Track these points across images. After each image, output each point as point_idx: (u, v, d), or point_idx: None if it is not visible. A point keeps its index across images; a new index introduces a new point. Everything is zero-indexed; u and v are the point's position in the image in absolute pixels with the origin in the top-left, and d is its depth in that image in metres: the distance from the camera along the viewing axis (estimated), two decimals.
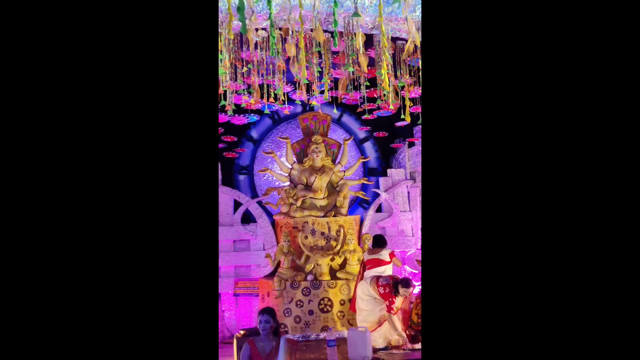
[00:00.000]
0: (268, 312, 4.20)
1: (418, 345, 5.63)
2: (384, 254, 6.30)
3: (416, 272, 6.85)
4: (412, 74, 5.99)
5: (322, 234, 6.80)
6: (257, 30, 5.20)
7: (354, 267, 6.50)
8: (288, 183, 7.19)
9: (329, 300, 6.33)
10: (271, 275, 6.74)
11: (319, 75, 5.72)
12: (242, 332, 5.45)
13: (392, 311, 5.82)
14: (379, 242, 6.45)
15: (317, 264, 6.55)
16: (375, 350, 5.41)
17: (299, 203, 6.88)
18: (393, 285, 5.98)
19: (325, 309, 6.30)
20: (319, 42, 5.32)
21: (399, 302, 5.94)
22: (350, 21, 5.05)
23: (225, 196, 8.32)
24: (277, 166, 7.57)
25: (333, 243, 6.72)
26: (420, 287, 6.57)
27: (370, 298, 5.87)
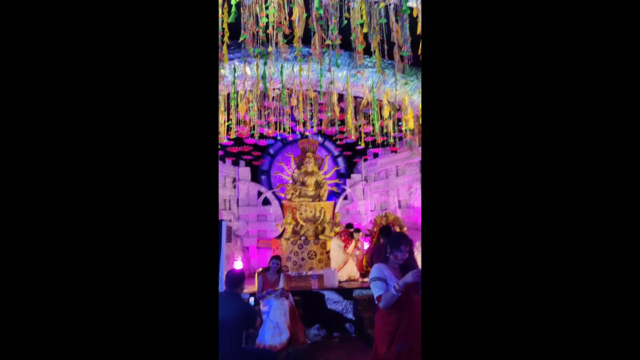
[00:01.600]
0: (276, 257, 4.27)
1: (365, 279, 5.74)
2: (353, 232, 6.41)
3: (367, 232, 6.88)
4: (365, 117, 6.07)
5: (311, 212, 6.79)
6: (274, 89, 5.26)
7: (329, 232, 6.52)
8: (291, 181, 7.19)
9: (314, 252, 6.35)
10: (279, 236, 6.76)
11: (310, 116, 5.79)
12: (260, 269, 5.49)
13: (346, 249, 5.87)
14: (350, 226, 6.58)
15: (307, 230, 6.57)
16: (340, 282, 5.51)
17: (297, 193, 6.89)
18: (349, 234, 6.09)
19: (311, 257, 6.33)
20: (311, 97, 5.40)
21: (352, 244, 6.01)
22: (330, 85, 5.13)
23: (253, 188, 8.36)
24: (286, 171, 7.61)
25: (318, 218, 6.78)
26: (369, 243, 6.65)
27: (337, 248, 5.93)
